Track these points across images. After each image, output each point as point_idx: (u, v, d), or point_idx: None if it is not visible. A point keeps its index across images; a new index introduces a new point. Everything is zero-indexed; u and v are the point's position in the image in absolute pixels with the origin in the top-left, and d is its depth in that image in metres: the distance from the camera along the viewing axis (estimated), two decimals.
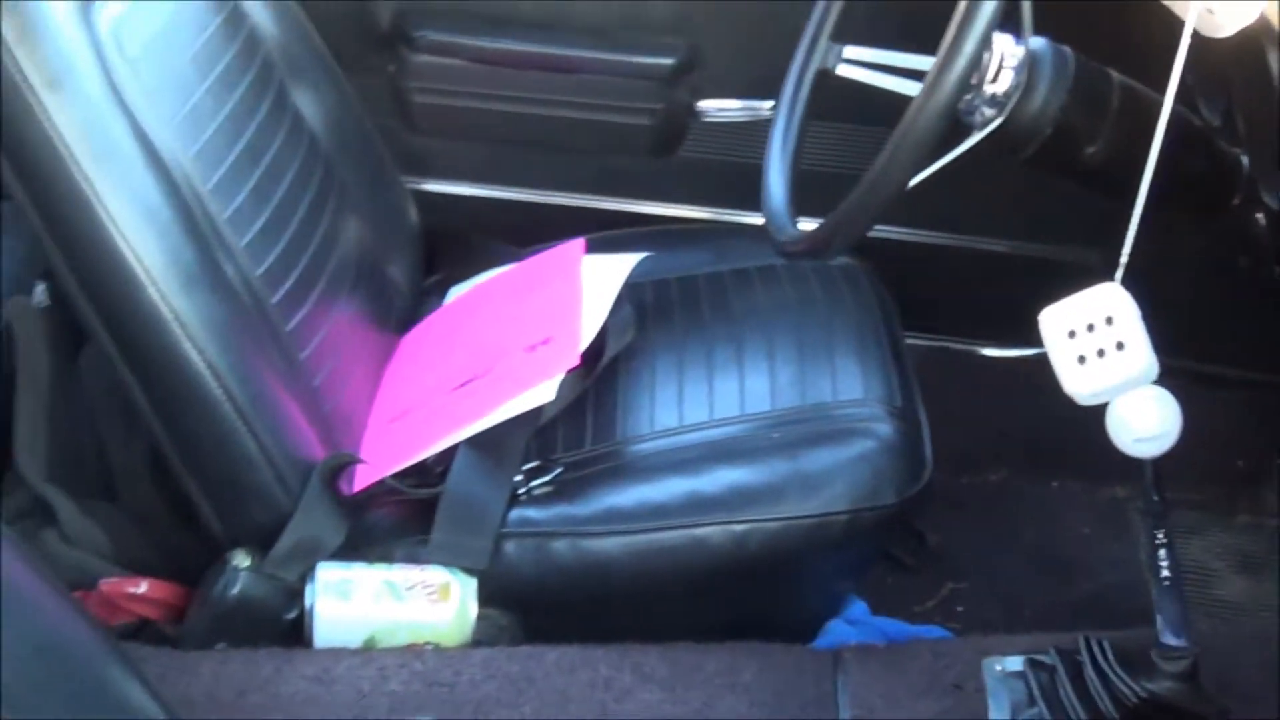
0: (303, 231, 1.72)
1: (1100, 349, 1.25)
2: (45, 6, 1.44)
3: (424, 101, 2.19)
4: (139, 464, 1.71)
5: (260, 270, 1.61)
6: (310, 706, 1.46)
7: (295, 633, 1.56)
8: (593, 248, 1.96)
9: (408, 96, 2.19)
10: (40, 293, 1.81)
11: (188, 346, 1.49)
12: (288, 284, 1.65)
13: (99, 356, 1.64)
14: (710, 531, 1.62)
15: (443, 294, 2.03)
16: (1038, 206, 2.02)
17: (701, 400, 1.77)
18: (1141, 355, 1.25)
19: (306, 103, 1.87)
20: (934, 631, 1.83)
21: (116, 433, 1.73)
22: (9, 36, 1.41)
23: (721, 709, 1.47)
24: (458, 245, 2.11)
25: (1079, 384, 1.26)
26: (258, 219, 1.63)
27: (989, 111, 1.44)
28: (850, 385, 1.75)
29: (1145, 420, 1.26)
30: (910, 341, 1.94)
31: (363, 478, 1.65)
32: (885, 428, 1.70)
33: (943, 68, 1.29)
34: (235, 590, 1.54)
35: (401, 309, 1.98)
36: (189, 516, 1.66)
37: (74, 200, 1.45)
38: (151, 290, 1.47)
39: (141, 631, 1.63)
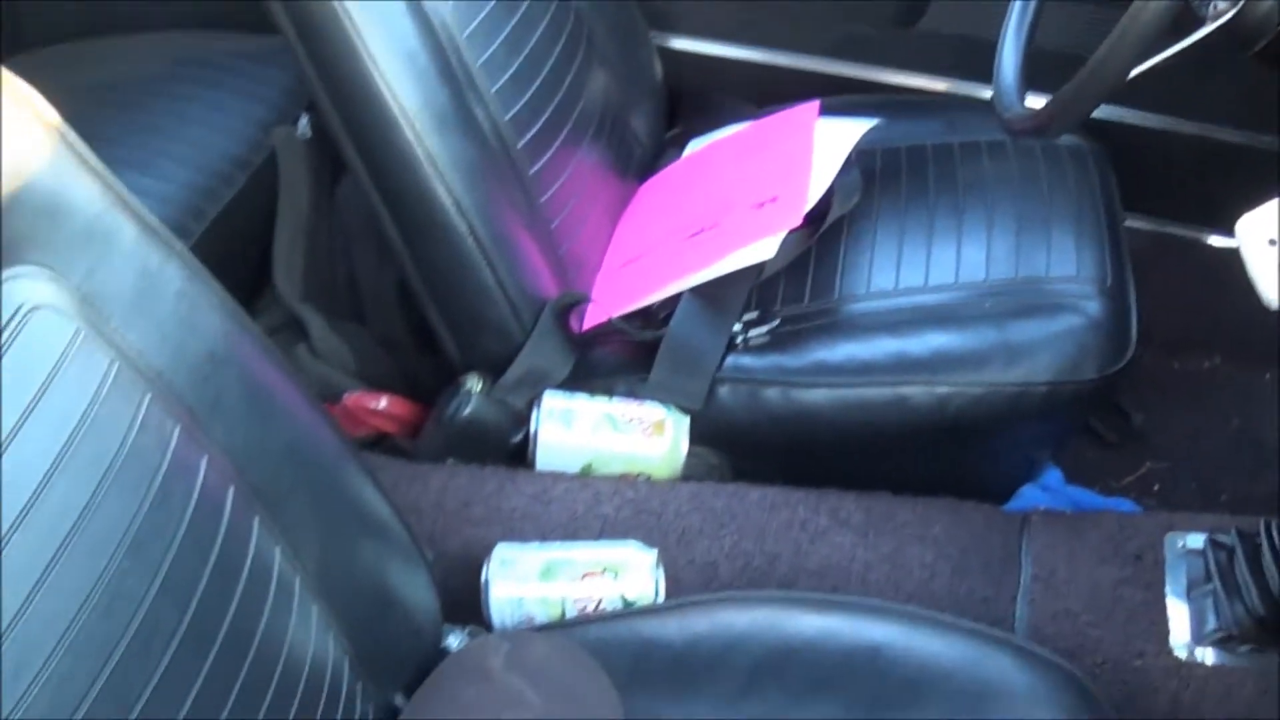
0: (551, 80, 1.81)
1: None
2: None
3: None
4: (387, 291, 1.84)
5: (509, 115, 1.71)
6: (528, 522, 1.58)
7: (518, 455, 1.68)
8: (827, 111, 2.01)
9: None
10: (304, 124, 1.94)
11: (437, 184, 1.60)
12: (534, 130, 1.75)
13: (356, 188, 1.76)
14: (914, 391, 1.68)
15: (681, 147, 2.11)
16: (1276, 99, 2.02)
17: (918, 266, 1.83)
18: None
19: None
20: (1124, 505, 1.88)
21: (368, 260, 1.86)
22: None
23: (909, 557, 1.55)
24: (698, 101, 2.19)
25: (1274, 292, 1.27)
26: (509, 66, 1.73)
27: (1222, 4, 1.46)
28: (1064, 261, 1.79)
29: None
30: (1133, 225, 1.97)
31: (591, 316, 1.76)
32: (1094, 305, 1.74)
33: None
34: (467, 411, 1.66)
35: (641, 159, 2.07)
36: (428, 341, 1.78)
37: (340, 42, 1.56)
38: (407, 130, 1.58)
39: (379, 444, 1.77)
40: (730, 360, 1.72)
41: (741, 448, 1.72)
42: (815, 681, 1.35)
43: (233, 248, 1.88)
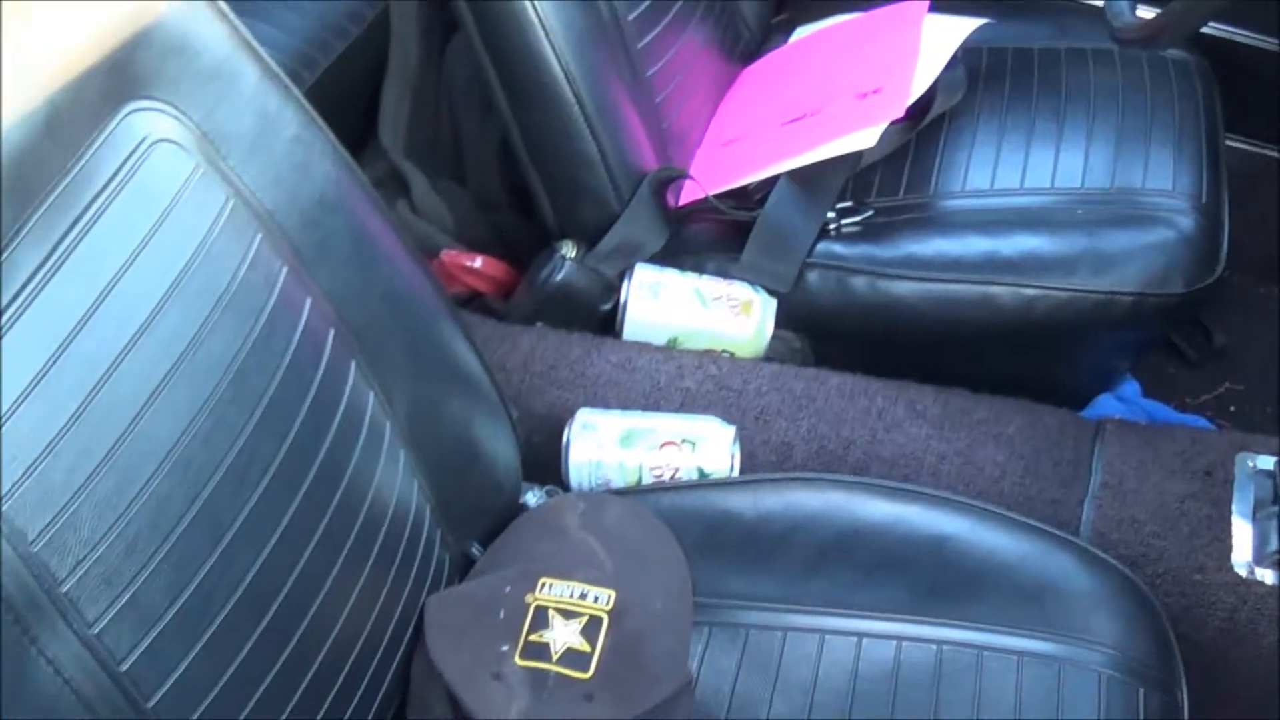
0: None
1: None
2: None
3: None
4: (489, 152, 1.87)
5: None
6: (611, 389, 1.61)
7: (606, 323, 1.71)
8: (935, 7, 2.01)
9: None
10: None
11: (548, 49, 1.63)
12: (644, 3, 1.77)
13: (465, 50, 1.79)
14: (1001, 291, 1.70)
15: (787, 33, 2.12)
16: None
17: (1015, 168, 1.84)
18: None
19: None
20: (1198, 422, 1.89)
21: (472, 122, 1.89)
22: None
23: (982, 454, 1.57)
24: None
25: None
26: None
27: None
28: (1160, 175, 1.80)
29: None
30: (1233, 144, 1.96)
31: (688, 193, 1.78)
32: (1187, 221, 1.75)
33: None
34: (560, 277, 1.69)
35: (747, 42, 2.08)
36: (526, 205, 1.81)
37: None
38: None
39: (471, 302, 1.80)
40: (821, 246, 1.74)
41: (824, 334, 1.74)
42: (880, 564, 1.39)
43: (341, 99, 1.90)
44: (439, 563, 1.31)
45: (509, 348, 1.64)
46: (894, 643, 1.33)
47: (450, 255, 1.78)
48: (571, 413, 1.55)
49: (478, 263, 1.78)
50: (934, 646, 1.32)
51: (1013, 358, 1.76)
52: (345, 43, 1.94)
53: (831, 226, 1.76)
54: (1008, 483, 1.55)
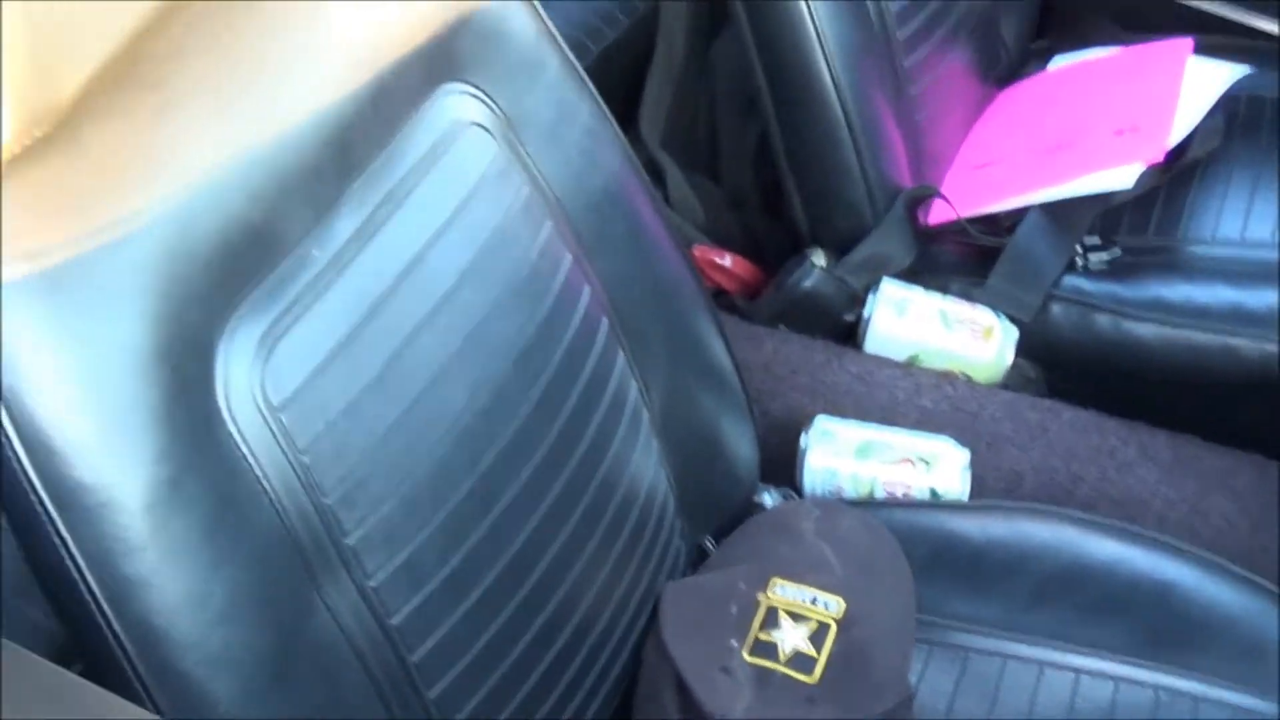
0: None
1: None
2: None
3: None
4: (746, 152, 1.90)
5: (897, 6, 1.75)
6: (848, 399, 1.64)
7: (847, 333, 1.73)
8: (1199, 50, 2.00)
9: None
10: None
11: (821, 61, 1.65)
12: (916, 22, 1.79)
13: (731, 50, 1.82)
14: (1244, 344, 1.69)
15: (1045, 60, 2.12)
16: None
17: (1268, 220, 1.83)
18: None
19: None
20: None
21: (732, 121, 1.92)
22: None
23: (1210, 504, 1.57)
24: (1069, 17, 2.19)
25: None
26: None
27: None
28: None
29: None
30: None
31: (939, 213, 1.80)
32: None
33: None
34: (808, 283, 1.72)
35: (1005, 66, 2.08)
36: (775, 207, 1.84)
37: None
38: (802, 3, 1.63)
39: (716, 298, 1.83)
40: (1066, 280, 1.75)
41: (1062, 366, 1.75)
42: (1103, 603, 1.39)
43: (606, 86, 1.94)
44: (675, 551, 1.34)
45: (752, 347, 1.67)
46: (1111, 683, 1.34)
47: (701, 250, 1.82)
48: (809, 418, 1.58)
49: (727, 260, 1.81)
50: (1151, 692, 1.33)
51: (1250, 411, 1.75)
52: (616, 31, 1.98)
53: (1078, 261, 1.76)
54: (1234, 537, 1.55)
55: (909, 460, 1.52)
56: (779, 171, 1.77)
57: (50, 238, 0.87)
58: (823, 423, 1.56)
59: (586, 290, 1.20)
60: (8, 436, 0.86)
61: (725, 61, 1.93)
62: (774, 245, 1.85)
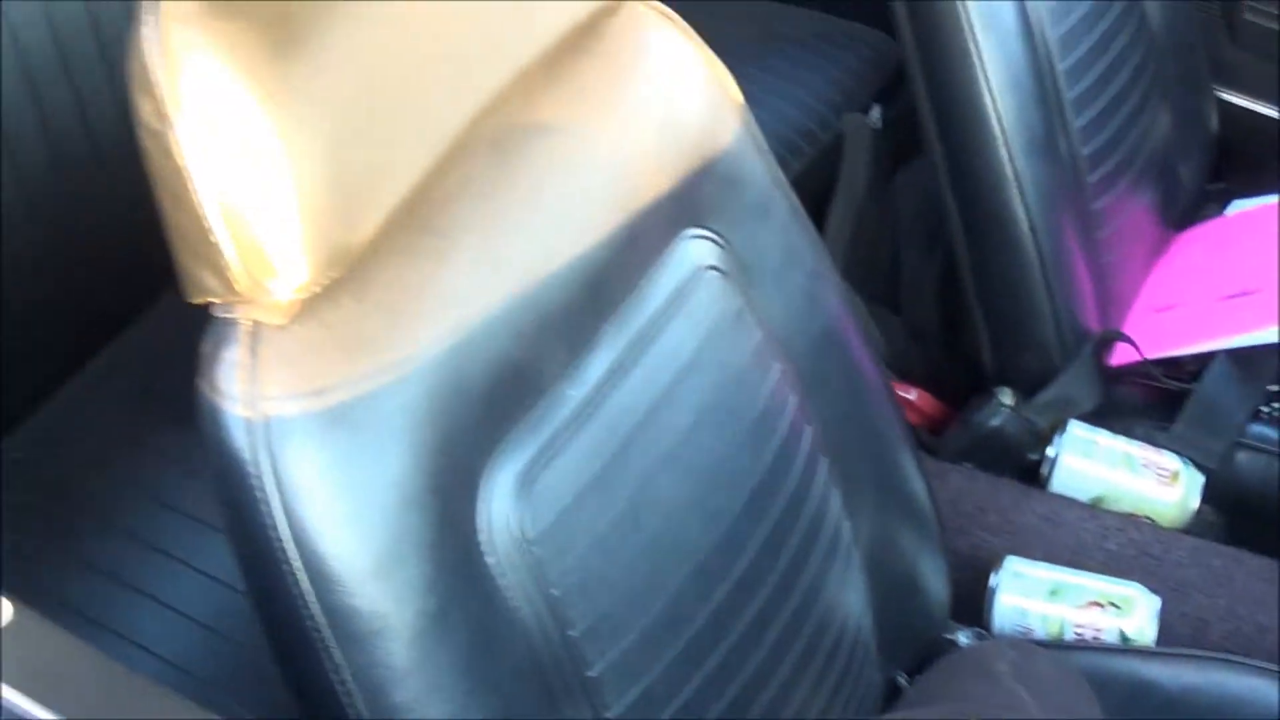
0: (1127, 122, 1.86)
1: None
2: None
3: (1252, 20, 2.27)
4: (928, 285, 1.93)
5: (1087, 150, 1.78)
6: (1037, 540, 1.65)
7: (1031, 473, 1.75)
8: None
9: (1238, 13, 2.28)
10: (875, 114, 2.04)
11: (1017, 202, 1.68)
12: (1105, 167, 1.81)
13: (915, 182, 1.85)
14: None
15: (1222, 203, 2.14)
16: None
17: None
18: None
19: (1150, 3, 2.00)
20: None
21: (915, 253, 1.95)
22: None
23: None
24: (1249, 161, 2.20)
25: None
26: (1095, 104, 1.79)
27: None
28: None
29: None
30: None
31: (1123, 355, 1.81)
32: None
33: None
34: (996, 422, 1.74)
35: (1183, 208, 2.10)
36: (956, 341, 1.87)
37: (958, 54, 1.64)
38: (1001, 146, 1.66)
39: None
40: (1254, 427, 1.76)
41: (1246, 514, 1.75)
42: None
43: None
44: (869, 684, 1.35)
45: (939, 484, 1.67)
46: None
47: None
48: (997, 557, 1.59)
49: (913, 395, 1.83)
50: None
51: None
52: (801, 163, 2.02)
53: (1265, 408, 1.77)
54: None
55: (1099, 604, 1.53)
56: (965, 307, 1.79)
57: (336, 376, 0.91)
58: (1014, 563, 1.57)
59: (808, 431, 1.23)
60: (291, 565, 0.90)
61: (908, 193, 1.96)
62: (954, 379, 1.86)
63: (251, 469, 0.89)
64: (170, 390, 1.65)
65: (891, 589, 1.37)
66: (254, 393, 0.89)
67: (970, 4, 1.62)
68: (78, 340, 1.71)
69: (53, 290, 1.65)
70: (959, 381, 1.85)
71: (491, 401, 0.98)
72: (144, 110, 0.86)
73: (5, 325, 1.61)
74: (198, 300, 0.92)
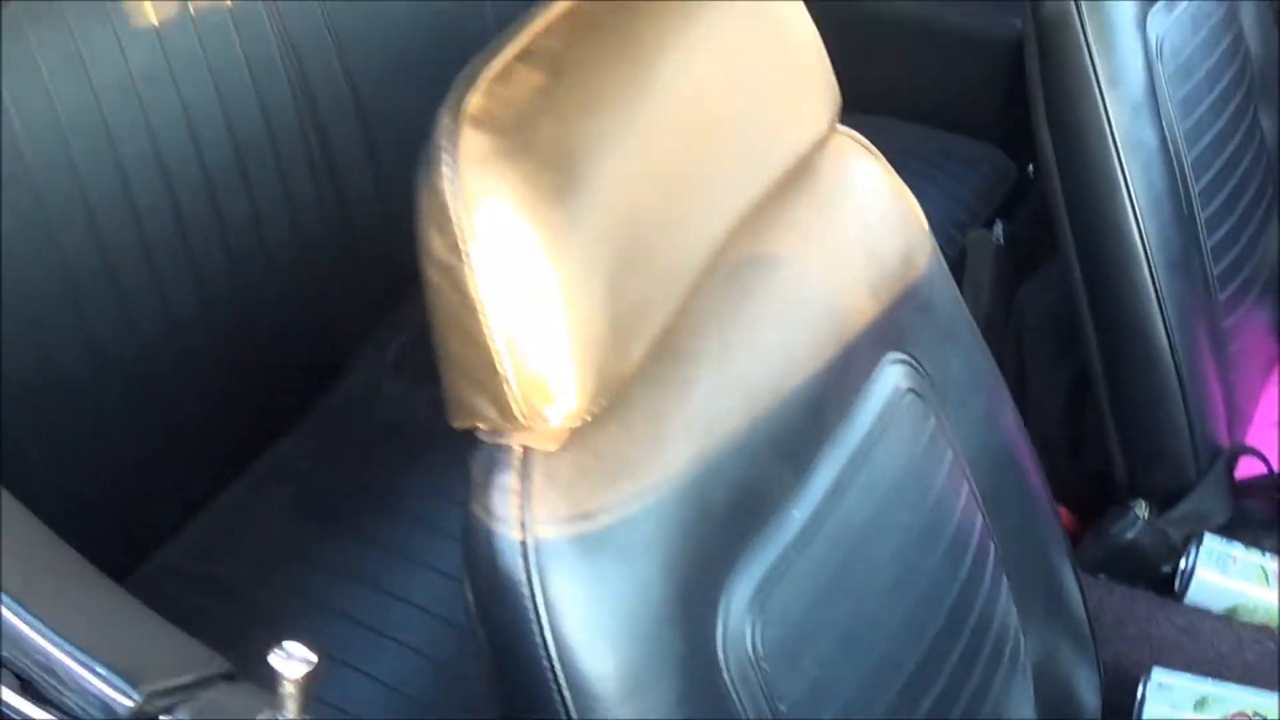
0: (1252, 240, 1.91)
1: None
2: (1119, 9, 1.69)
3: None
4: (1056, 398, 1.96)
5: (1218, 268, 1.82)
6: (1175, 652, 1.68)
7: (1165, 584, 1.78)
8: None
9: None
10: (999, 231, 2.09)
11: (1158, 320, 1.72)
12: (1233, 285, 1.86)
13: (1038, 295, 1.89)
14: None
15: None
16: None
17: None
18: None
19: (1267, 121, 2.05)
20: None
21: (1042, 365, 1.99)
22: (1090, 33, 1.66)
23: None
24: None
25: None
26: (1225, 223, 1.84)
27: None
28: None
29: None
30: None
31: (1251, 467, 1.85)
32: None
33: None
34: (1131, 534, 1.78)
35: None
36: (1085, 454, 1.90)
37: (1105, 176, 1.69)
38: (1144, 265, 1.71)
39: None
40: None
41: None
42: None
43: None
44: None
45: None
46: None
47: None
48: (1135, 668, 1.62)
49: None
50: None
51: None
52: None
53: None
54: None
55: (1246, 714, 1.56)
56: (1096, 420, 1.83)
57: (601, 500, 0.95)
58: (1160, 675, 1.60)
59: (991, 549, 1.27)
60: (558, 683, 0.94)
61: (1032, 307, 2.00)
62: (1077, 490, 1.90)
63: (524, 590, 0.93)
64: (328, 497, 1.71)
65: (1053, 701, 1.40)
66: (526, 516, 0.93)
67: (1118, 129, 1.67)
68: (238, 444, 1.75)
69: (219, 391, 1.70)
70: (1085, 493, 1.89)
71: (730, 521, 1.02)
72: (435, 245, 0.90)
73: (172, 428, 1.66)
74: (464, 425, 0.96)
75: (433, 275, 0.92)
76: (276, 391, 1.75)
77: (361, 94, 1.74)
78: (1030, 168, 2.26)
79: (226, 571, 1.66)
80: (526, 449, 0.95)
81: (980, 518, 1.26)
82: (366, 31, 1.74)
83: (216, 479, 1.73)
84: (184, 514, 1.70)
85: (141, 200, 1.53)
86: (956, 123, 2.29)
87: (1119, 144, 1.68)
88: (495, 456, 0.95)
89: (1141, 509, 1.80)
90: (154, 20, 1.52)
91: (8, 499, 1.18)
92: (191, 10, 1.55)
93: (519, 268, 0.89)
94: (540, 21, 0.96)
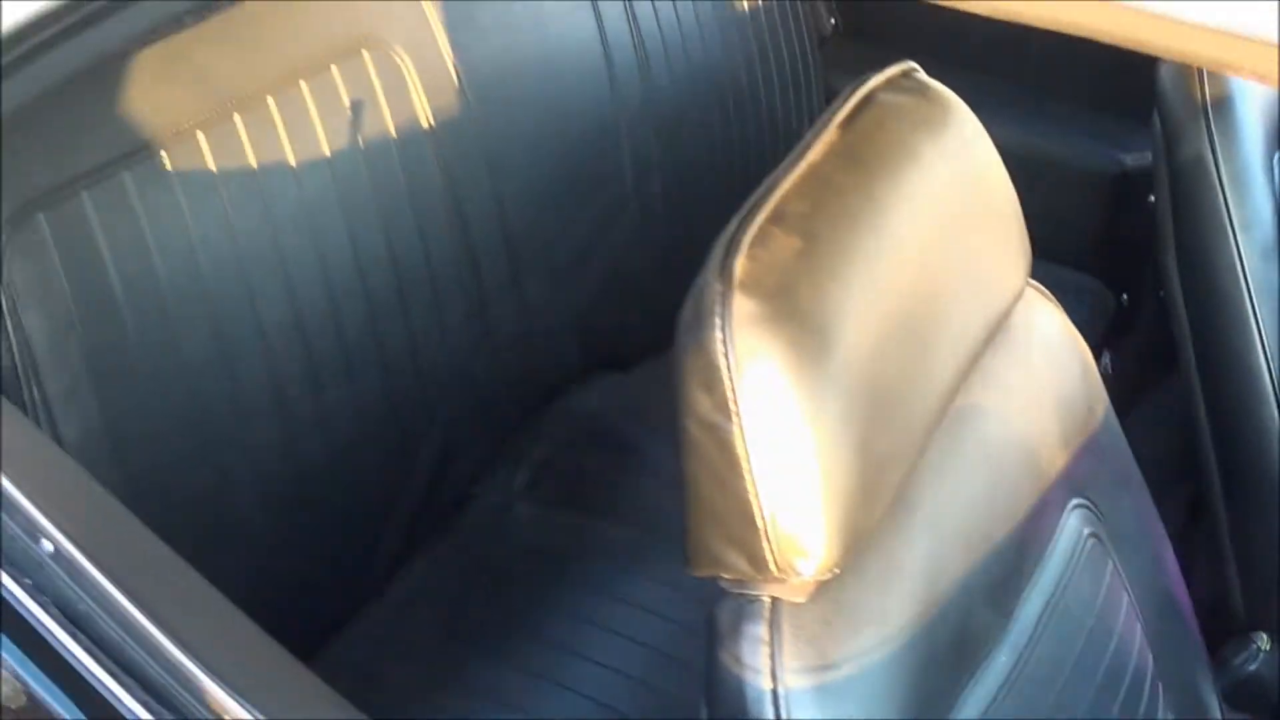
0: None
1: None
2: (1252, 154, 1.73)
3: None
4: (1171, 525, 1.99)
5: None
6: None
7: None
8: None
9: None
10: (1106, 361, 2.13)
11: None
12: None
13: (1147, 424, 1.93)
14: None
15: None
16: None
17: None
18: None
19: None
20: None
21: (1155, 494, 2.02)
22: (1225, 177, 1.71)
23: None
24: None
25: None
26: None
27: None
28: None
29: None
30: None
31: None
32: None
33: None
34: (1254, 666, 1.80)
35: None
36: (1198, 583, 1.93)
37: (1236, 316, 1.73)
38: (1271, 403, 1.72)
39: None
40: None
41: None
42: None
43: None
44: None
45: None
46: None
47: None
48: None
49: None
50: None
51: None
52: None
53: None
54: None
55: None
56: (1214, 551, 1.86)
57: (845, 650, 0.99)
58: None
59: (1161, 694, 1.30)
60: None
61: (1147, 433, 2.03)
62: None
63: None
64: (473, 620, 1.72)
65: None
66: (777, 666, 0.97)
67: (1250, 271, 1.71)
68: (379, 567, 1.77)
69: (366, 513, 1.73)
70: (1212, 629, 1.91)
71: (949, 665, 1.06)
72: (701, 404, 0.95)
73: (318, 552, 1.68)
74: (706, 574, 1.00)
75: (695, 432, 0.96)
76: (418, 513, 1.78)
77: (510, 223, 1.78)
78: (1124, 297, 2.30)
79: (376, 697, 1.67)
80: (775, 600, 0.98)
81: (1151, 659, 1.29)
82: (519, 164, 1.79)
83: (356, 602, 1.75)
84: (320, 638, 1.71)
85: (310, 325, 1.56)
86: (1054, 253, 2.33)
87: (1251, 286, 1.71)
88: (744, 607, 0.99)
89: (1263, 641, 1.82)
90: (326, 151, 1.56)
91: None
92: (360, 141, 1.60)
93: (782, 428, 0.93)
94: (786, 183, 1.01)
